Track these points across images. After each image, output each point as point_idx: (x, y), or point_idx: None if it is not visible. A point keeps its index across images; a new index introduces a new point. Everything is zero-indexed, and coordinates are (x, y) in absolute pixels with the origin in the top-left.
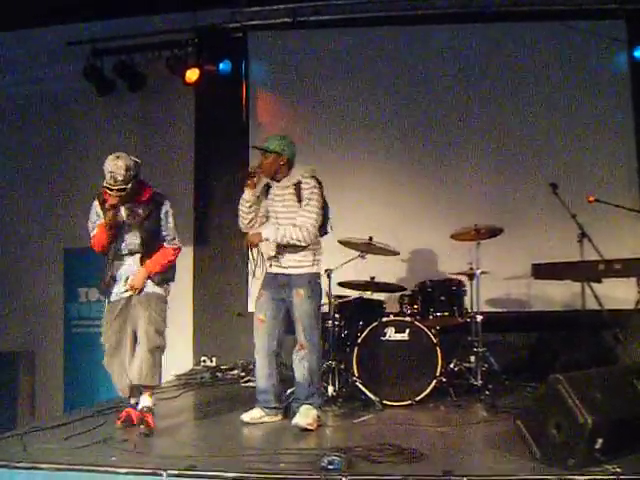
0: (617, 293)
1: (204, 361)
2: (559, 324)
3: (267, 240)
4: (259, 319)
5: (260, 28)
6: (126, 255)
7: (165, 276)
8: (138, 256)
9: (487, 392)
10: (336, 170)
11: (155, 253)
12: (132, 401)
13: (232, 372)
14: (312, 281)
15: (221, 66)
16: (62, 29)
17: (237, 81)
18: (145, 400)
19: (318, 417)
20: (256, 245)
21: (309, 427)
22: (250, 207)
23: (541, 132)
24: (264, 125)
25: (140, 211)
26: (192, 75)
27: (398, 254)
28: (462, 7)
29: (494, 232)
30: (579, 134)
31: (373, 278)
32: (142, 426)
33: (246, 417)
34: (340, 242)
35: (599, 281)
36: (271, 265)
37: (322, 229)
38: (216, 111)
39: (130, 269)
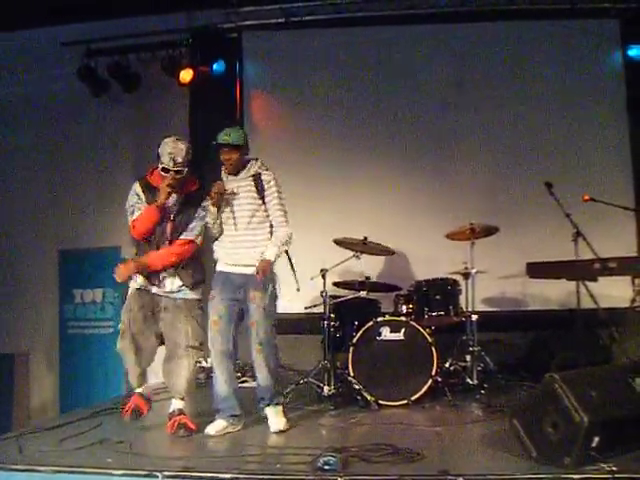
0: (612, 292)
1: (199, 362)
2: (554, 323)
3: (276, 259)
4: (213, 322)
5: (254, 28)
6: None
7: (197, 278)
8: None
9: (483, 391)
10: (330, 169)
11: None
12: (138, 389)
13: None
14: (270, 280)
15: (215, 66)
16: (56, 30)
17: (231, 81)
18: (178, 403)
19: (284, 413)
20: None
21: (284, 428)
22: (215, 222)
23: (535, 131)
24: (258, 125)
25: (187, 203)
26: (186, 75)
27: (393, 254)
28: (457, 6)
29: (489, 231)
30: (573, 133)
31: (368, 278)
32: (182, 430)
33: (211, 430)
34: (335, 242)
35: (594, 280)
36: (231, 264)
37: None
38: (210, 111)
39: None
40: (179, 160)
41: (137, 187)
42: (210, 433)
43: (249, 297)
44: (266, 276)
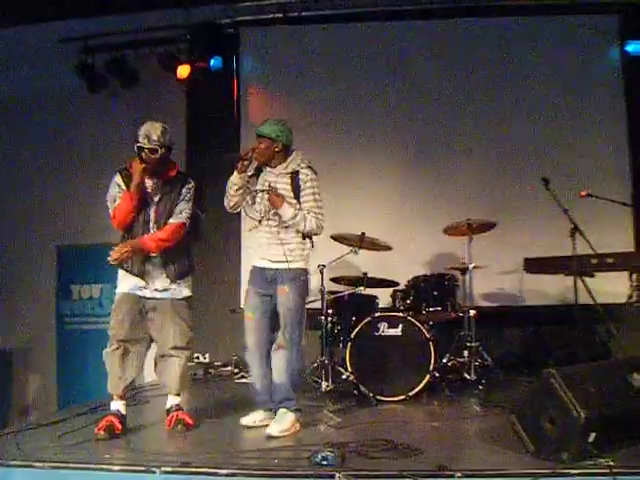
0: (610, 287)
1: (197, 357)
2: (552, 318)
3: (282, 212)
4: (247, 317)
5: (251, 24)
6: None
7: (181, 269)
8: None
9: (480, 387)
10: (328, 165)
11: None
12: (114, 406)
13: (225, 368)
14: (298, 277)
15: (212, 62)
16: (53, 26)
17: (228, 77)
18: (175, 399)
19: (297, 420)
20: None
21: (283, 434)
22: (237, 190)
23: (533, 127)
24: (256, 121)
25: (167, 187)
26: (183, 71)
27: (391, 249)
28: (454, 2)
29: (486, 227)
30: (571, 129)
31: (366, 273)
32: (180, 426)
33: (246, 421)
34: (333, 237)
35: (592, 275)
36: (262, 258)
37: None
38: (208, 107)
39: (153, 259)
40: (154, 138)
41: (118, 178)
42: (244, 424)
43: (277, 292)
44: (295, 266)
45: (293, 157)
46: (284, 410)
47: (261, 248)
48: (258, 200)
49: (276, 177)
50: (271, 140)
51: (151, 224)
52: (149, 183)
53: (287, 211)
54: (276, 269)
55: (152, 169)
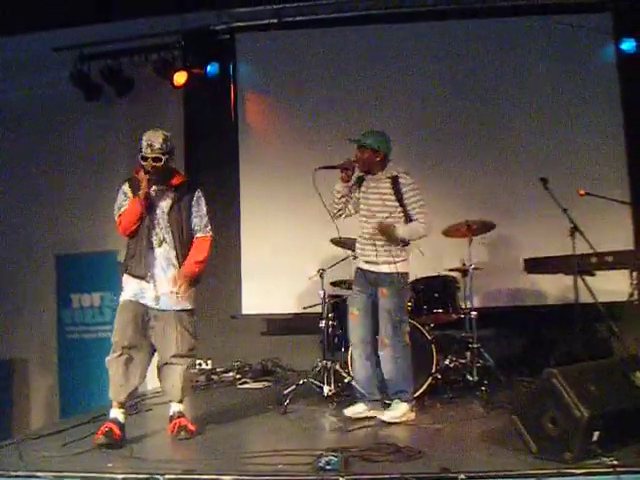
0: (610, 285)
1: (199, 364)
2: (553, 318)
3: (399, 236)
4: (352, 315)
5: (247, 29)
6: (156, 247)
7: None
8: (167, 247)
9: (482, 388)
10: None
11: (188, 245)
12: (112, 414)
13: (228, 374)
14: (398, 279)
15: (209, 68)
16: (48, 35)
17: (225, 83)
18: (178, 406)
19: (411, 411)
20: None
21: (394, 420)
22: (341, 198)
23: (530, 127)
24: (253, 126)
25: (171, 195)
26: (180, 78)
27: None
28: (448, 4)
29: (486, 228)
30: (568, 128)
31: None
32: (182, 433)
33: (350, 412)
34: (332, 242)
35: (592, 274)
36: (364, 261)
37: None
38: (205, 113)
39: (161, 264)
40: (156, 146)
41: (125, 187)
42: (348, 415)
43: (379, 292)
44: (395, 280)
45: (391, 165)
46: (397, 400)
47: (364, 249)
48: (362, 207)
49: (377, 182)
50: (373, 150)
51: (157, 229)
52: (154, 190)
53: (401, 230)
54: (377, 272)
55: (157, 177)
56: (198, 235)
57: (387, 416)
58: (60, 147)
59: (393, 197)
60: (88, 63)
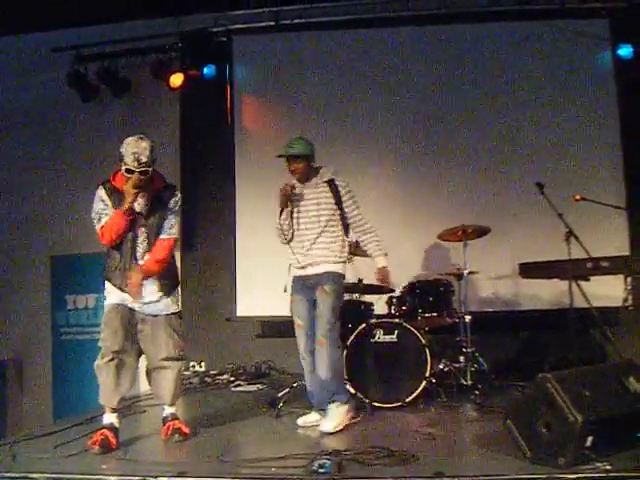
0: (605, 291)
1: (193, 366)
2: (547, 323)
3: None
4: (297, 325)
5: (244, 32)
6: (140, 258)
7: (171, 282)
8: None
9: (477, 392)
10: None
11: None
12: (107, 420)
13: (221, 377)
14: (336, 278)
15: (205, 70)
16: (45, 36)
17: (221, 85)
18: (171, 408)
19: (350, 410)
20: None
21: (338, 429)
22: (288, 223)
23: (527, 132)
24: (249, 129)
25: (156, 201)
26: (176, 80)
27: (386, 255)
28: (446, 8)
29: (481, 232)
30: (564, 133)
31: (361, 280)
32: (176, 435)
33: (301, 422)
34: None
35: (587, 279)
36: (302, 267)
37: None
38: (201, 116)
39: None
40: (143, 160)
41: (102, 192)
42: (300, 424)
43: (318, 291)
44: (335, 279)
45: (323, 168)
46: (335, 404)
47: (304, 255)
48: (300, 216)
49: (314, 189)
50: (306, 157)
51: (140, 239)
52: (138, 199)
53: (385, 262)
54: (317, 273)
55: (142, 189)
56: (162, 236)
57: (327, 426)
58: (55, 147)
59: (332, 201)
60: (85, 64)
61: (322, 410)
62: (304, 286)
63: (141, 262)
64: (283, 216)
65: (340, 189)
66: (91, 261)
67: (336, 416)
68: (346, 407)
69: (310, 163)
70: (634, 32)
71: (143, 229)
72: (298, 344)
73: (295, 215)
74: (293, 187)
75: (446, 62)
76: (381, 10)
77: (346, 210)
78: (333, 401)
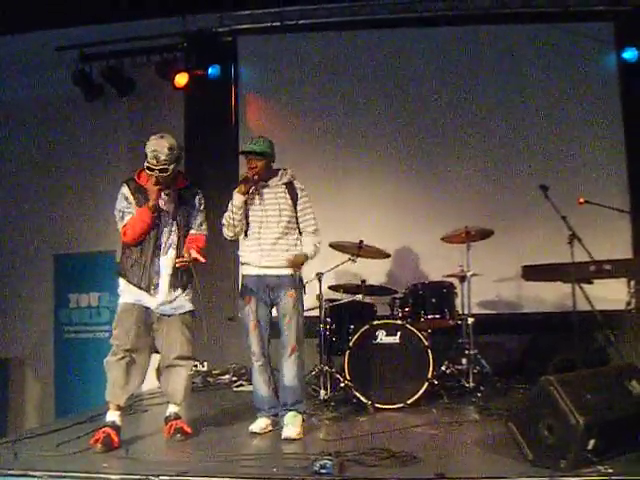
0: (608, 294)
1: (195, 366)
2: (550, 325)
3: (308, 259)
4: (253, 324)
5: (249, 32)
6: (163, 255)
7: (187, 279)
8: (173, 252)
9: (479, 394)
10: (326, 173)
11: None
12: (110, 417)
13: (224, 377)
14: (299, 283)
15: (210, 70)
16: (50, 34)
17: (226, 85)
18: (174, 408)
19: (303, 421)
20: None
21: (299, 437)
22: (241, 214)
23: (530, 134)
24: (253, 129)
25: (176, 198)
26: (181, 79)
27: (389, 257)
28: (450, 10)
29: (484, 234)
30: (568, 136)
31: (364, 281)
32: (178, 435)
33: (255, 428)
34: (331, 245)
35: (590, 282)
36: (260, 267)
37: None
38: (205, 115)
39: (166, 272)
40: (162, 158)
41: (125, 190)
42: (254, 431)
43: (282, 297)
44: (297, 271)
45: (282, 170)
46: (294, 413)
47: (262, 256)
48: (258, 216)
49: (272, 189)
50: (267, 157)
51: (165, 237)
52: (163, 196)
53: (310, 252)
54: (279, 275)
55: (165, 186)
56: (192, 232)
57: (290, 432)
58: (60, 146)
59: (290, 203)
60: (90, 63)
61: (274, 416)
62: (262, 286)
63: (164, 257)
64: (237, 204)
65: (298, 192)
66: (94, 260)
67: (298, 423)
68: (301, 417)
69: (270, 164)
70: (639, 35)
71: (168, 227)
72: (253, 345)
73: (251, 213)
74: (255, 179)
75: (452, 64)
76: (387, 12)
77: (298, 210)
78: (292, 410)
